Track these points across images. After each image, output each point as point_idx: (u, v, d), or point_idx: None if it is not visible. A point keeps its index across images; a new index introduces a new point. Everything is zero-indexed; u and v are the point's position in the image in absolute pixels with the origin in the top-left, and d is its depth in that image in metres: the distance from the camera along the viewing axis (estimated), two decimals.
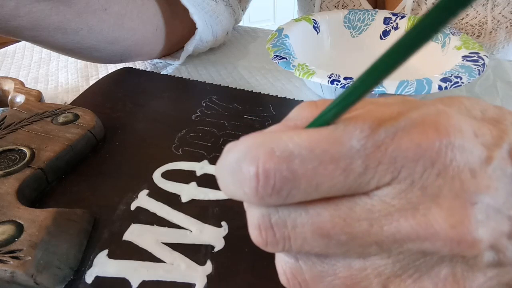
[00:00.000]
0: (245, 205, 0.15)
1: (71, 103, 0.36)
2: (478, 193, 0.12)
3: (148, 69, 0.46)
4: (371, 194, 0.13)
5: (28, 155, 0.27)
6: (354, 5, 0.54)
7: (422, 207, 0.12)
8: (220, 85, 0.40)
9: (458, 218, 0.12)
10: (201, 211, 0.25)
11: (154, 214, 0.25)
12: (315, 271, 0.14)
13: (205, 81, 0.41)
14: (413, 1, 0.49)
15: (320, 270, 0.14)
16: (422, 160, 0.12)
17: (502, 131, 0.14)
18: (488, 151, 0.13)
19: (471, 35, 0.50)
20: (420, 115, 0.13)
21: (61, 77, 0.46)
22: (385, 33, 0.46)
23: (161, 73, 0.43)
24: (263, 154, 0.12)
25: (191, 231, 0.24)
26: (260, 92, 0.39)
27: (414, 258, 0.13)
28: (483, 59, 0.35)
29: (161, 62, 0.48)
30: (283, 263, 0.15)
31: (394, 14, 0.46)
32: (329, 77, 0.32)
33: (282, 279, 0.16)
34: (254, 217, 0.14)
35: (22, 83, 0.36)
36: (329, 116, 0.13)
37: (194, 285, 0.21)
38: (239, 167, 0.13)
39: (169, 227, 0.24)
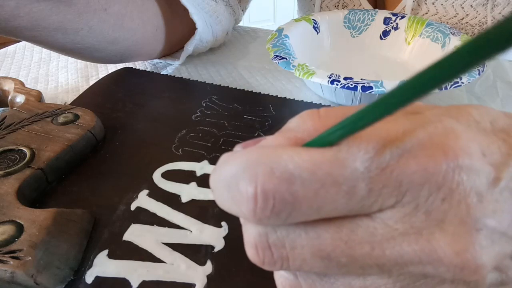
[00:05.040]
0: (242, 221, 0.14)
1: (71, 103, 0.36)
2: (484, 218, 0.12)
3: (148, 69, 0.46)
4: (373, 217, 0.12)
5: (28, 155, 0.27)
6: (354, 5, 0.54)
7: (426, 232, 0.12)
8: (220, 85, 0.40)
9: (462, 245, 0.12)
10: (201, 211, 0.25)
11: (154, 214, 0.25)
12: None
13: (205, 81, 0.41)
14: (413, 1, 0.49)
15: (320, 287, 0.14)
16: (428, 184, 0.12)
17: (511, 147, 0.13)
18: (496, 171, 0.12)
19: (471, 35, 0.50)
20: (427, 135, 0.12)
21: (61, 77, 0.46)
22: (385, 33, 0.46)
23: (161, 73, 0.43)
24: (262, 174, 0.12)
25: (191, 231, 0.24)
26: (260, 92, 0.39)
27: (415, 279, 0.13)
28: None
29: (161, 62, 0.48)
30: (282, 279, 0.15)
31: (394, 14, 0.46)
32: (329, 77, 0.32)
33: None
34: (251, 235, 0.14)
35: (22, 83, 0.36)
36: (334, 137, 0.12)
37: (194, 285, 0.21)
38: (236, 184, 0.12)
39: (169, 227, 0.24)
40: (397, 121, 0.13)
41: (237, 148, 0.15)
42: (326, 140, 0.12)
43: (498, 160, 0.12)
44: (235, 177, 0.12)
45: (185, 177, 0.28)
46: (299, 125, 0.14)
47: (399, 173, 0.12)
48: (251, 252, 0.14)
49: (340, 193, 0.12)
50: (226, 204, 0.13)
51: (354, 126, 0.12)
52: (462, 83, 0.31)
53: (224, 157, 0.13)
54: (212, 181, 0.13)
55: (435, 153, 0.12)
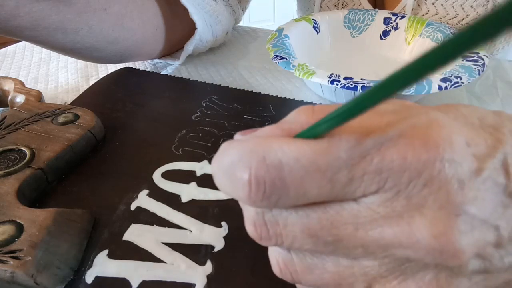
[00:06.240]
0: (241, 203, 0.15)
1: (71, 103, 0.36)
2: (463, 205, 0.12)
3: (148, 69, 0.46)
4: (358, 200, 0.13)
5: (28, 155, 0.27)
6: (354, 4, 0.54)
7: (406, 215, 0.13)
8: (220, 85, 0.40)
9: (441, 229, 0.12)
10: (201, 211, 0.25)
11: (154, 214, 0.25)
12: (306, 263, 0.15)
13: (205, 81, 0.41)
14: (414, 1, 0.49)
15: (310, 263, 0.15)
16: (408, 171, 0.12)
17: (498, 140, 0.14)
18: (479, 162, 0.13)
19: None
20: (409, 126, 0.13)
21: (61, 77, 0.46)
22: (385, 33, 0.46)
23: (161, 73, 0.43)
24: (255, 162, 0.13)
25: (191, 231, 0.24)
26: (260, 92, 0.39)
27: (399, 262, 0.14)
28: (483, 59, 0.35)
29: (161, 62, 0.48)
30: (276, 254, 0.16)
31: (394, 14, 0.46)
32: (329, 77, 0.32)
33: (275, 269, 0.16)
34: (249, 214, 0.15)
35: (22, 83, 0.36)
36: (321, 129, 0.13)
37: (194, 285, 0.21)
38: (233, 171, 0.13)
39: (169, 227, 0.24)
40: (383, 115, 0.14)
41: (237, 136, 0.16)
42: (314, 131, 0.13)
43: (482, 151, 0.13)
44: (232, 165, 0.13)
45: (185, 177, 0.28)
46: (294, 118, 0.15)
47: (379, 161, 0.12)
48: (250, 229, 0.15)
49: (324, 180, 0.13)
50: (225, 189, 0.14)
51: (339, 118, 0.12)
52: (462, 83, 0.32)
53: (224, 146, 0.14)
54: (213, 168, 0.14)
55: (415, 141, 0.12)
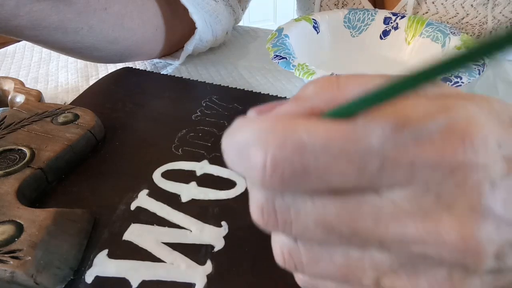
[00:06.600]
0: (248, 184, 0.14)
1: (71, 103, 0.36)
2: (493, 206, 0.12)
3: (148, 69, 0.46)
4: (381, 194, 0.12)
5: (28, 155, 0.27)
6: (354, 3, 0.54)
7: (433, 213, 0.12)
8: (220, 85, 0.40)
9: (469, 230, 0.12)
10: (201, 211, 0.25)
11: (154, 214, 0.25)
12: (313, 255, 0.14)
13: (205, 81, 0.41)
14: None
15: (318, 255, 0.14)
16: (442, 169, 0.12)
17: None
18: (509, 163, 0.12)
19: (471, 35, 0.50)
20: (448, 121, 0.12)
21: (61, 77, 0.46)
22: (385, 33, 0.46)
23: (161, 73, 0.43)
24: (275, 143, 0.12)
25: (191, 231, 0.24)
26: (260, 92, 0.39)
27: (413, 258, 0.13)
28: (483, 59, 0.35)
29: (161, 62, 0.48)
30: (281, 244, 0.15)
31: (394, 14, 0.46)
32: None
33: (278, 258, 0.15)
34: (257, 197, 0.14)
35: (22, 83, 0.36)
36: (353, 110, 0.12)
37: (194, 285, 0.21)
38: (247, 150, 0.12)
39: (169, 227, 0.24)
40: (419, 103, 0.13)
41: (251, 113, 0.14)
42: (344, 112, 0.12)
43: None
44: (247, 143, 0.12)
45: (185, 176, 0.28)
46: (316, 93, 0.14)
47: (414, 155, 0.12)
48: (256, 214, 0.14)
49: (351, 168, 0.12)
50: (236, 168, 0.13)
51: (375, 99, 0.11)
52: (463, 82, 0.31)
53: (239, 121, 0.13)
54: (224, 144, 0.13)
55: (453, 139, 0.12)
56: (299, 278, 0.17)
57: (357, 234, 0.13)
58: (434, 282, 0.13)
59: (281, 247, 0.15)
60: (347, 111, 0.12)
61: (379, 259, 0.13)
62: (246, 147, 0.12)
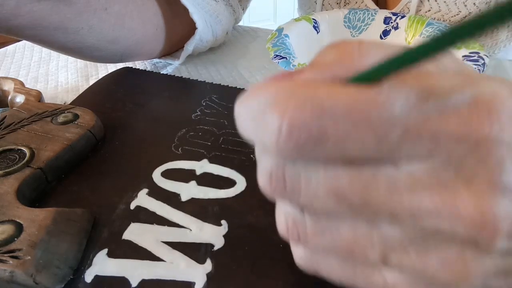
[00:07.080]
0: (257, 151, 0.14)
1: (71, 103, 0.36)
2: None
3: (148, 69, 0.46)
4: (399, 165, 0.12)
5: (27, 155, 0.27)
6: (356, 2, 0.54)
7: (451, 187, 0.12)
8: (220, 84, 0.40)
9: (487, 206, 0.12)
10: (200, 210, 0.25)
11: (153, 213, 0.25)
12: (319, 226, 0.14)
13: (205, 81, 0.41)
14: None
15: (324, 226, 0.14)
16: (466, 144, 0.11)
17: None
18: None
19: None
20: (474, 95, 0.12)
21: (61, 77, 0.46)
22: (385, 33, 0.46)
23: (161, 72, 0.43)
24: (293, 105, 0.11)
25: (190, 230, 0.24)
26: None
27: (425, 233, 0.13)
28: (483, 59, 0.35)
29: (161, 62, 0.48)
30: (286, 215, 0.15)
31: (394, 14, 0.46)
32: None
33: (281, 227, 0.15)
34: (267, 164, 0.13)
35: (22, 83, 0.36)
36: (376, 75, 0.12)
37: (194, 283, 0.21)
38: (262, 113, 0.12)
39: (168, 226, 0.24)
40: (445, 75, 0.12)
41: (267, 79, 0.14)
42: (368, 77, 0.12)
43: None
44: (263, 106, 0.12)
45: (185, 176, 0.28)
46: (336, 60, 0.13)
47: (438, 127, 0.11)
48: (264, 180, 0.13)
49: (371, 136, 0.11)
50: (247, 132, 0.13)
51: (400, 63, 0.11)
52: None
53: (254, 88, 0.13)
54: (237, 108, 0.13)
55: (479, 113, 0.11)
56: (299, 255, 0.16)
57: (369, 205, 0.12)
58: (444, 260, 0.13)
59: (285, 215, 0.15)
60: (371, 76, 0.12)
61: (389, 233, 0.13)
62: (262, 109, 0.12)
